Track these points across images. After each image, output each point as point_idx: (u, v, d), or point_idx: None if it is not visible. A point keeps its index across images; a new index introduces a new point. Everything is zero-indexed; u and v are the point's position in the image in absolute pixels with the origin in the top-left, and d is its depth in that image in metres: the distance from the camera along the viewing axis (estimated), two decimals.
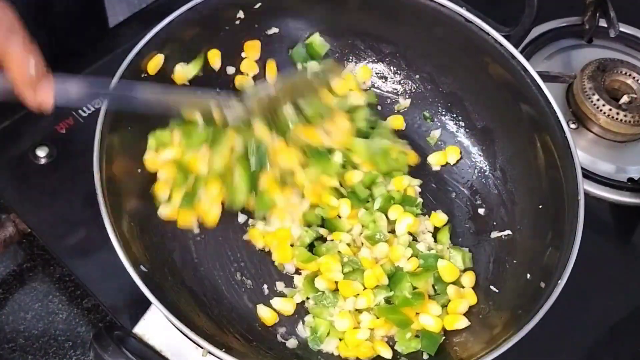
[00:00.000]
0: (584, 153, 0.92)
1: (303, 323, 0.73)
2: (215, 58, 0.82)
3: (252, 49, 0.84)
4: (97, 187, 0.65)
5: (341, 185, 0.78)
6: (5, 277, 0.77)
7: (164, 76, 0.77)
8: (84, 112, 0.84)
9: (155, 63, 0.75)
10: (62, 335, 0.74)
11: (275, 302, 0.73)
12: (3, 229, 0.76)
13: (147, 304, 0.62)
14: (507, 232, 0.79)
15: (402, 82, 0.89)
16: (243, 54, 0.84)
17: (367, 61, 0.89)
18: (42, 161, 0.80)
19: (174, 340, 0.64)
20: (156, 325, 0.64)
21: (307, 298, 0.74)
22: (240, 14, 0.82)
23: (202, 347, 0.61)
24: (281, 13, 0.85)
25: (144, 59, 0.74)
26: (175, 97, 0.71)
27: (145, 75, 0.75)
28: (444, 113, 0.87)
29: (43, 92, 0.54)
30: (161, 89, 0.71)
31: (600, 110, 0.92)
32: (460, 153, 0.85)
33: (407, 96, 0.89)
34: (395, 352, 0.72)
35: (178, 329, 0.61)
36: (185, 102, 0.70)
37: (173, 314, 0.61)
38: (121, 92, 0.67)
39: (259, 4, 0.82)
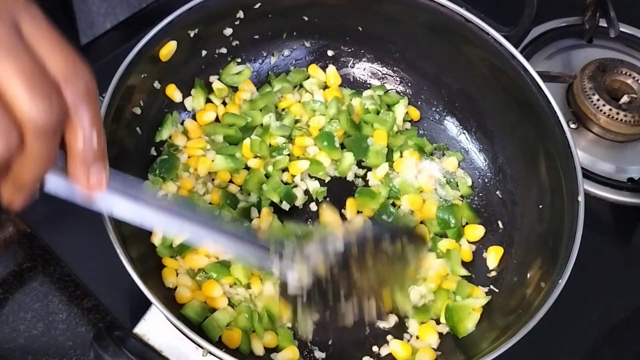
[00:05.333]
0: (584, 153, 0.92)
1: None
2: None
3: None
4: None
5: None
6: (5, 277, 0.77)
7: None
8: None
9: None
10: (62, 335, 0.74)
11: None
12: (3, 229, 0.76)
13: (147, 304, 0.62)
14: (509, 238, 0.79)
15: (402, 82, 0.89)
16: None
17: (366, 61, 0.89)
18: None
19: (174, 340, 0.64)
20: (156, 325, 0.64)
21: None
22: (240, 14, 0.82)
23: (202, 347, 0.61)
24: (280, 12, 0.85)
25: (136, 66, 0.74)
26: (228, 242, 0.56)
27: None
28: (443, 113, 0.87)
29: (95, 175, 0.47)
30: (211, 221, 0.56)
31: (600, 110, 0.92)
32: (459, 163, 0.85)
33: (406, 97, 0.89)
34: None
35: (178, 329, 0.61)
36: (237, 254, 0.60)
37: (173, 314, 0.61)
38: (168, 209, 0.54)
39: (259, 4, 0.82)
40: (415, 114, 0.88)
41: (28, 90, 0.42)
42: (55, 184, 0.48)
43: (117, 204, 0.51)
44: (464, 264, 0.78)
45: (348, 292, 0.59)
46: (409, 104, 0.88)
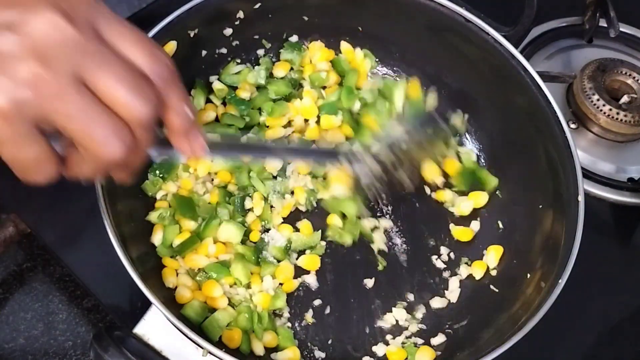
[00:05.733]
0: (584, 153, 0.92)
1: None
2: None
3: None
4: (97, 187, 0.65)
5: None
6: (5, 277, 0.77)
7: None
8: None
9: None
10: (62, 335, 0.74)
11: None
12: (3, 229, 0.76)
13: (147, 304, 0.62)
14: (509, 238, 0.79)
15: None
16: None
17: None
18: None
19: (174, 340, 0.64)
20: (156, 325, 0.64)
21: None
22: (240, 14, 0.82)
23: (202, 347, 0.61)
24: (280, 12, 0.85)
25: None
26: (296, 150, 0.72)
27: None
28: (443, 113, 0.87)
29: (196, 141, 0.53)
30: (284, 146, 0.74)
31: (600, 110, 0.92)
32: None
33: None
34: None
35: (178, 329, 0.61)
36: (306, 156, 0.72)
37: (173, 314, 0.61)
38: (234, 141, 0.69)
39: (259, 4, 0.82)
40: (416, 90, 0.87)
41: (127, 92, 0.46)
42: (159, 154, 0.54)
43: (214, 155, 0.61)
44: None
45: (401, 168, 0.74)
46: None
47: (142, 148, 0.49)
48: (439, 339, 0.74)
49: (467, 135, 0.86)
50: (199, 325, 0.69)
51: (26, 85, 0.44)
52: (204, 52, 0.82)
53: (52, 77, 0.44)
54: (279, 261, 0.76)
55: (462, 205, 0.81)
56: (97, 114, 0.46)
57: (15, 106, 0.44)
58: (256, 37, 0.86)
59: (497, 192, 0.82)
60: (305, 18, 0.86)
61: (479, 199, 0.82)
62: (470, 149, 0.85)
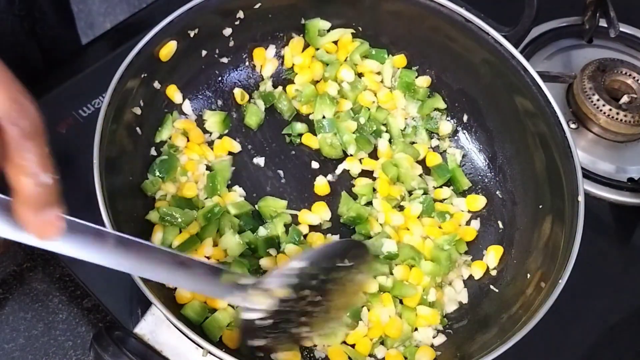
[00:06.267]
0: (584, 153, 0.92)
1: None
2: None
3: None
4: (97, 187, 0.65)
5: None
6: (5, 277, 0.77)
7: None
8: (84, 112, 0.85)
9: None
10: (62, 335, 0.74)
11: None
12: None
13: (147, 304, 0.62)
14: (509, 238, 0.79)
15: None
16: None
17: None
18: None
19: (174, 340, 0.63)
20: (156, 325, 0.64)
21: None
22: (240, 14, 0.82)
23: (202, 347, 0.61)
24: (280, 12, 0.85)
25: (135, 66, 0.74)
26: (186, 279, 0.57)
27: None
28: (443, 113, 0.87)
29: (49, 222, 0.44)
30: (173, 259, 0.56)
31: (600, 110, 0.92)
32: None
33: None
34: None
35: (178, 329, 0.61)
36: (195, 288, 0.61)
37: (173, 314, 0.61)
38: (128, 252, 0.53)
39: (259, 4, 0.82)
40: (401, 61, 0.87)
41: None
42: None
43: (70, 249, 0.48)
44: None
45: (306, 314, 0.61)
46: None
47: None
48: (439, 339, 0.73)
49: (467, 135, 0.86)
50: (199, 325, 0.69)
51: None
52: (204, 52, 0.82)
53: None
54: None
55: (455, 203, 0.82)
56: None
57: None
58: (256, 37, 0.85)
59: (497, 192, 0.82)
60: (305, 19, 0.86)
61: (475, 202, 0.82)
62: (458, 151, 0.85)
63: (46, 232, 0.44)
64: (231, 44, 0.84)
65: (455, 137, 0.86)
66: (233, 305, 0.71)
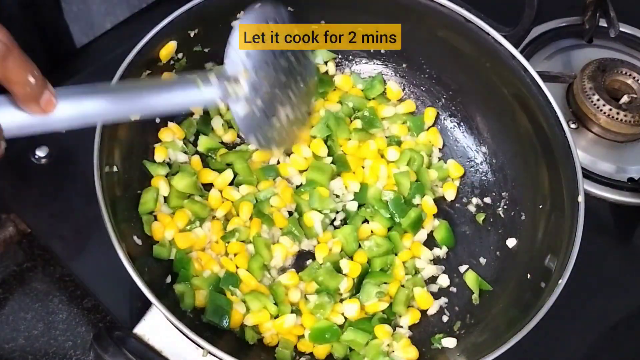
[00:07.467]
0: (584, 153, 0.92)
1: None
2: None
3: None
4: (97, 187, 0.65)
5: None
6: (5, 277, 0.77)
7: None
8: None
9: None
10: (62, 335, 0.74)
11: None
12: (3, 229, 0.76)
13: (147, 304, 0.62)
14: (509, 238, 0.79)
15: (401, 83, 0.89)
16: None
17: (365, 62, 0.89)
18: (42, 161, 0.80)
19: (174, 340, 0.64)
20: (156, 326, 0.64)
21: None
22: (240, 14, 0.82)
23: (202, 347, 0.61)
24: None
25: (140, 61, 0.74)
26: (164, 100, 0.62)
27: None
28: (444, 113, 0.87)
29: (45, 100, 0.54)
30: (156, 83, 0.66)
31: (600, 110, 0.92)
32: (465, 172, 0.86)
33: (406, 97, 0.89)
34: None
35: (178, 329, 0.61)
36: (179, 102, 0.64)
37: (173, 314, 0.61)
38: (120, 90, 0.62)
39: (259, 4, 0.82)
40: (395, 93, 0.88)
41: None
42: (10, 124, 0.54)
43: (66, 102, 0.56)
44: None
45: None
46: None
47: None
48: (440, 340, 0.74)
49: (466, 135, 0.86)
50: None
51: None
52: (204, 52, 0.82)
53: None
54: None
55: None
56: None
57: None
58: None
59: (497, 192, 0.82)
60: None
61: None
62: (453, 164, 0.85)
63: (48, 108, 0.54)
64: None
65: (455, 138, 0.86)
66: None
